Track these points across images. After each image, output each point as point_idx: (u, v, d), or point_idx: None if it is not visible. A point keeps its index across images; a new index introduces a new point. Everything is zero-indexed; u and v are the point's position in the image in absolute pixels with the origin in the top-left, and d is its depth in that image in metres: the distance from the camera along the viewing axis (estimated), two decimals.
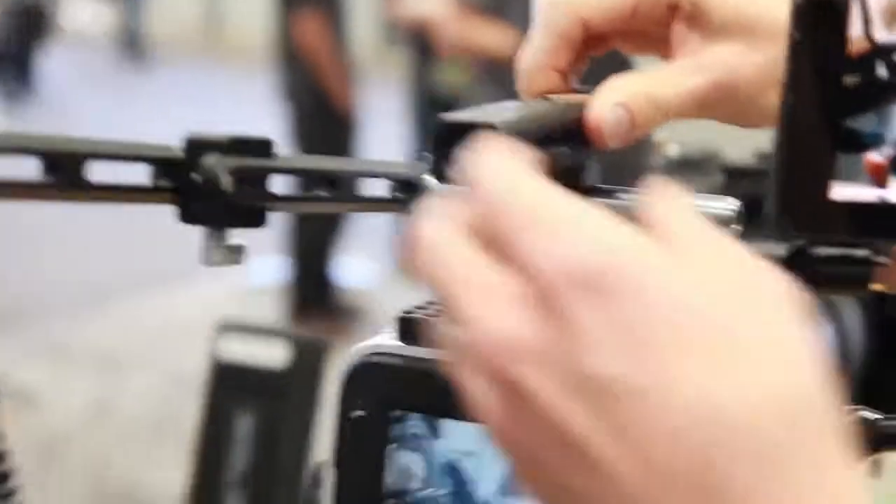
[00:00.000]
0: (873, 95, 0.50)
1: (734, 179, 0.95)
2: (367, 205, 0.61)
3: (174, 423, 3.95)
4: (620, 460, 0.41)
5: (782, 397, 0.41)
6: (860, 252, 0.53)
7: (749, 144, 0.98)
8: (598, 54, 0.68)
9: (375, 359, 0.61)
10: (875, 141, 0.51)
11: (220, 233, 0.54)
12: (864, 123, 0.51)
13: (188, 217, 0.54)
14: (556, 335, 0.42)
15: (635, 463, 0.41)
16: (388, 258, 5.79)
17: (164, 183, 0.54)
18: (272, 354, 0.45)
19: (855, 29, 0.50)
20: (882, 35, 0.50)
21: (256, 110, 6.91)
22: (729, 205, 0.59)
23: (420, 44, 5.12)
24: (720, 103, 0.63)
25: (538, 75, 0.64)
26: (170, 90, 10.97)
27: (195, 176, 0.53)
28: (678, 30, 0.65)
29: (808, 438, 0.41)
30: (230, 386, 0.44)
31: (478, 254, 0.44)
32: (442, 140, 0.52)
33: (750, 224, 0.91)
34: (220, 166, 0.53)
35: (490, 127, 0.52)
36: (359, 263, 5.57)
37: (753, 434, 0.40)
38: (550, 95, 0.62)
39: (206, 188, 0.53)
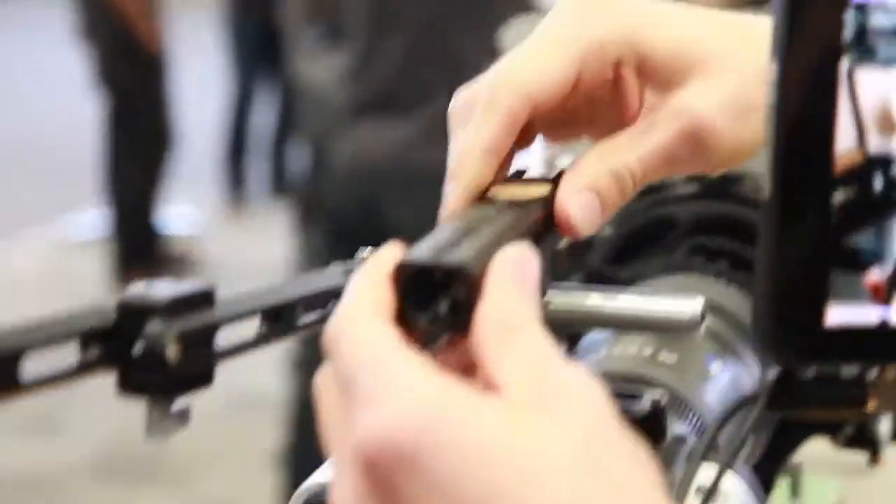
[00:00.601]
0: (870, 211, 0.47)
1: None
2: (312, 328, 0.56)
3: None
4: None
5: None
6: (850, 370, 0.50)
7: None
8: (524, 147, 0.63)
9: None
10: (874, 258, 0.48)
11: (166, 401, 0.49)
12: (861, 240, 0.48)
13: (130, 388, 0.48)
14: None
15: None
16: (214, 203, 5.67)
17: (96, 355, 0.48)
18: None
19: (847, 139, 0.47)
20: (877, 145, 0.47)
21: (57, 51, 6.65)
22: (695, 305, 0.56)
23: None
24: (689, 154, 0.59)
25: (480, 164, 0.58)
26: None
27: (136, 346, 0.48)
28: (630, 87, 0.61)
29: None
30: None
31: (335, 416, 0.46)
32: (409, 288, 0.48)
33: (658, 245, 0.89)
34: (164, 335, 0.47)
35: (461, 270, 0.47)
36: (183, 210, 5.44)
37: None
38: (489, 194, 0.58)
39: (149, 359, 0.47)
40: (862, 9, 0.46)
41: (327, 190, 2.74)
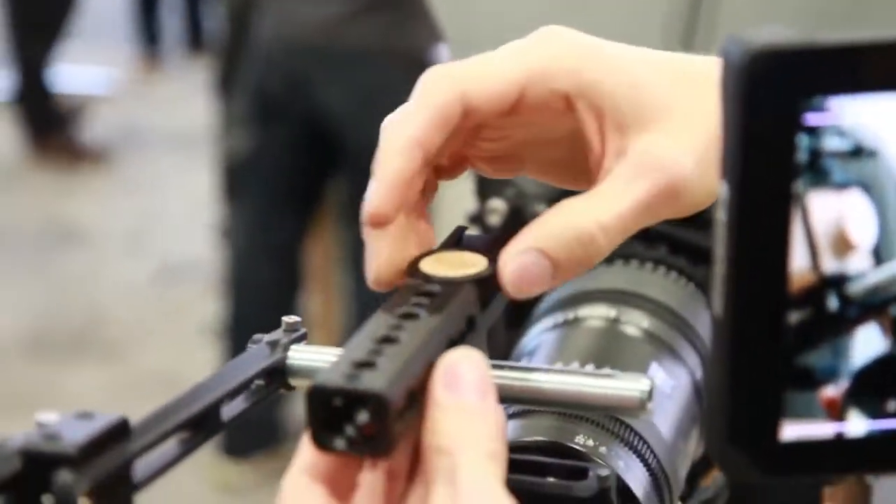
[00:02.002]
0: (825, 329, 0.45)
1: None
2: (234, 420, 0.53)
3: None
4: None
5: None
6: None
7: None
8: (455, 175, 0.60)
9: None
10: (829, 376, 0.45)
11: None
12: (816, 358, 0.45)
13: None
14: None
15: None
16: (128, 61, 5.54)
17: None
18: None
19: (801, 260, 0.44)
20: (831, 265, 0.44)
21: None
22: (642, 385, 0.54)
23: None
24: (666, 207, 0.56)
25: (405, 152, 0.54)
26: None
27: (45, 498, 0.44)
28: (589, 129, 0.57)
29: None
30: None
31: None
32: (321, 411, 0.46)
33: None
34: (76, 488, 0.44)
35: (374, 397, 0.45)
36: (96, 70, 5.31)
37: None
38: (422, 267, 0.54)
39: None
40: (814, 131, 0.42)
41: (250, 62, 2.68)
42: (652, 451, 0.67)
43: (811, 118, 0.42)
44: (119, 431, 0.46)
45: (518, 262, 0.54)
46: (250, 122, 2.66)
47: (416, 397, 0.47)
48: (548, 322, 0.76)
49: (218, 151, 3.07)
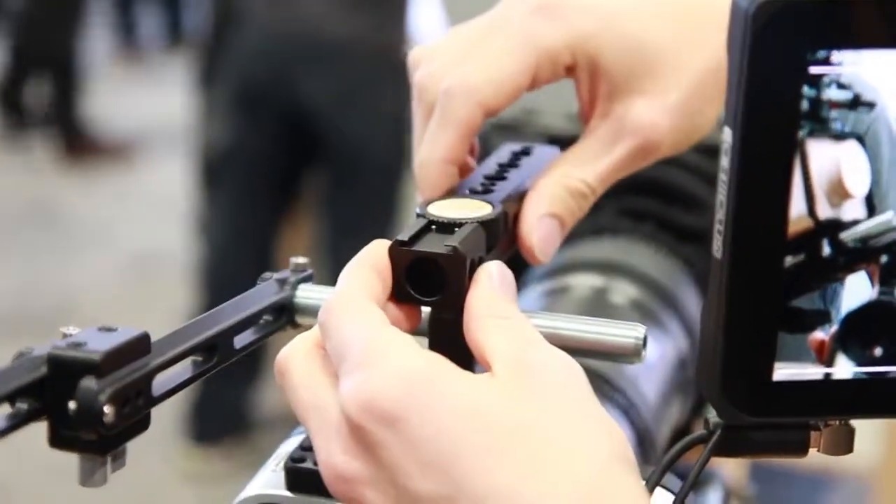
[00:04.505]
0: (818, 274, 0.47)
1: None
2: (245, 349, 0.55)
3: None
4: None
5: (583, 484, 0.44)
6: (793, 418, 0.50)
7: (562, 105, 0.94)
8: None
9: None
10: (819, 319, 0.48)
11: (102, 455, 0.47)
12: (808, 302, 0.48)
13: (60, 443, 0.47)
14: (375, 465, 0.46)
15: None
16: (106, 52, 5.54)
17: (25, 409, 0.46)
18: None
19: (798, 206, 0.46)
20: (826, 212, 0.47)
21: None
22: (637, 332, 0.56)
23: None
24: (640, 164, 0.62)
25: (438, 171, 0.60)
26: None
27: (70, 403, 0.46)
28: (583, 91, 0.62)
29: None
30: None
31: (319, 375, 0.49)
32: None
33: None
34: (100, 395, 0.46)
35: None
36: None
37: None
38: (428, 210, 0.57)
39: (84, 418, 0.46)
40: (817, 82, 0.45)
41: (235, 53, 2.68)
42: (638, 412, 0.70)
43: (814, 69, 0.45)
44: (141, 345, 0.48)
45: (542, 229, 0.59)
46: (232, 112, 2.67)
47: None
48: (538, 289, 0.79)
49: (196, 143, 3.07)
